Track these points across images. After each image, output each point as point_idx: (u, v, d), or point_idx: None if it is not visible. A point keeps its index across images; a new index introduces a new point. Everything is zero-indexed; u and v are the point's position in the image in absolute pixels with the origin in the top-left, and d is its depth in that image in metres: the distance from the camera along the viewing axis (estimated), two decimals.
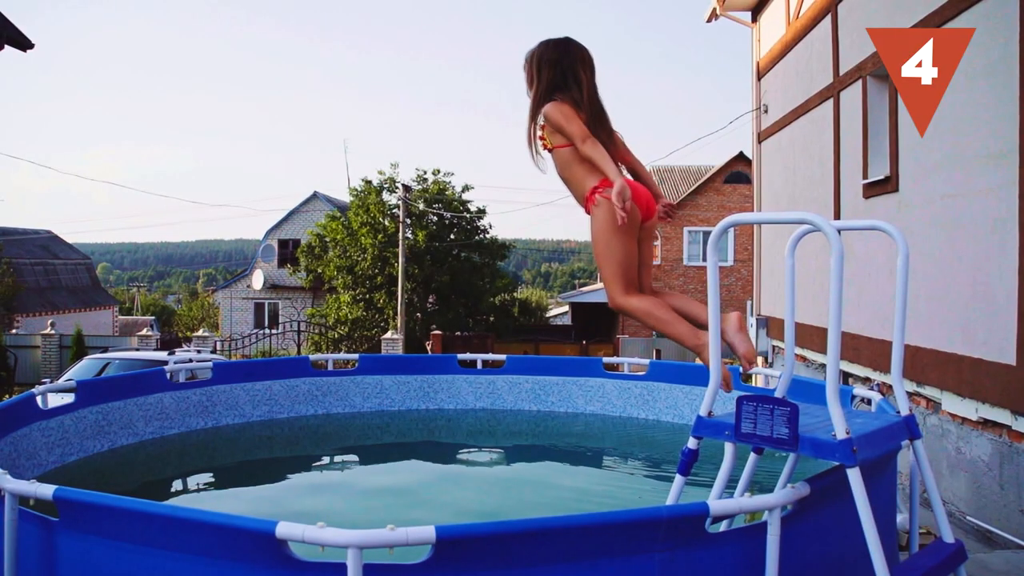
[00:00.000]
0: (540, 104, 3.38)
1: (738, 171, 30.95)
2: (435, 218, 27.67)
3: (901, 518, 3.56)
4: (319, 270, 28.99)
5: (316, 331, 26.94)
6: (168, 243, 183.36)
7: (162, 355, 12.58)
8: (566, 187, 3.45)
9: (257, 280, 33.67)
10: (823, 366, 9.23)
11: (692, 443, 2.84)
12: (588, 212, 3.32)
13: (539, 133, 3.41)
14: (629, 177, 3.41)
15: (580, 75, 3.39)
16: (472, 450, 6.12)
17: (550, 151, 3.43)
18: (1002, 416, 5.65)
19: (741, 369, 4.50)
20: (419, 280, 27.08)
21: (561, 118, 3.25)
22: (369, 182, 27.98)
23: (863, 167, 8.23)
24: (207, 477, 5.47)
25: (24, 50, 9.96)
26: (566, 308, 39.61)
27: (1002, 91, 5.66)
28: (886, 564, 2.42)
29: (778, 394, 2.93)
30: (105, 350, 17.22)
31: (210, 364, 6.52)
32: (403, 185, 26.26)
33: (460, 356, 7.13)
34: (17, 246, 33.32)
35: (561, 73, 3.38)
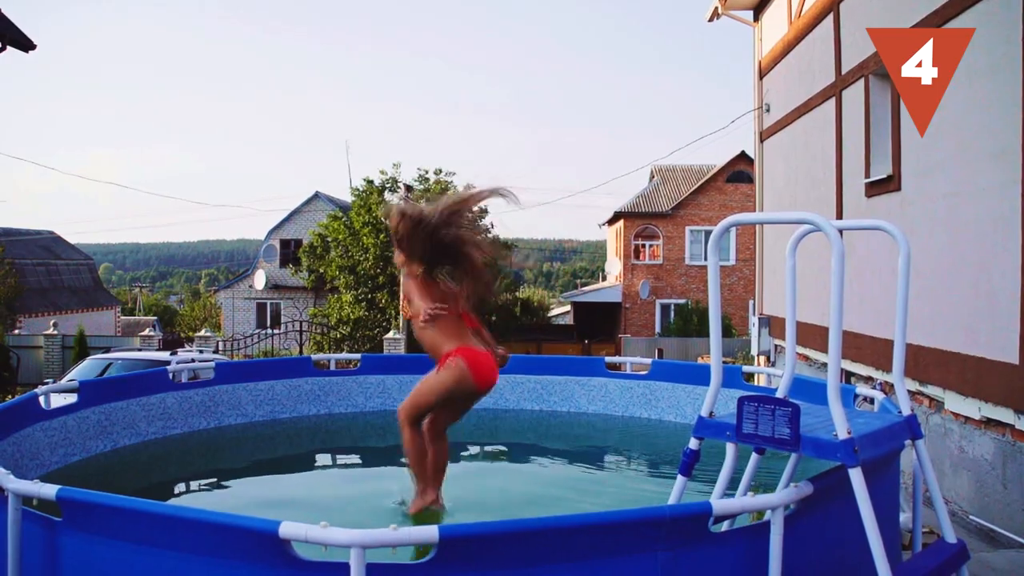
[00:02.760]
0: (410, 263, 3.92)
1: (740, 170, 30.93)
2: None
3: (904, 517, 3.57)
4: (321, 270, 28.98)
5: (318, 331, 26.93)
6: (170, 243, 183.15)
7: (164, 355, 12.59)
8: (422, 345, 4.01)
9: (259, 280, 33.67)
10: (825, 365, 9.22)
11: (693, 443, 2.84)
12: (439, 369, 3.86)
13: (402, 303, 4.11)
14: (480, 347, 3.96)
15: (460, 261, 3.89)
16: (474, 449, 6.12)
17: (408, 319, 4.06)
18: (1005, 415, 5.64)
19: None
20: None
21: (414, 287, 3.86)
22: (371, 182, 27.96)
23: (865, 166, 8.23)
24: (210, 477, 5.48)
25: (26, 51, 9.99)
26: (568, 307, 39.60)
27: (1004, 89, 5.65)
28: (888, 563, 2.42)
29: (779, 394, 2.94)
30: (107, 350, 17.21)
31: (212, 364, 6.53)
32: (405, 185, 26.24)
33: None
34: (19, 247, 33.36)
35: (436, 254, 3.87)
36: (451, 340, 3.80)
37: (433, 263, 3.91)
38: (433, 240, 3.82)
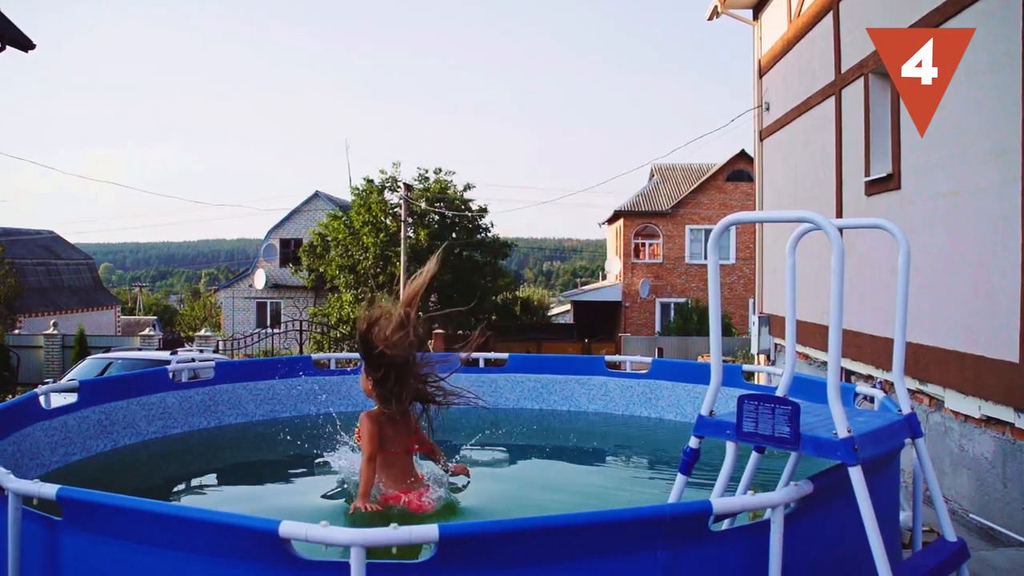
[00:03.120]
0: (374, 380, 4.12)
1: (740, 169, 30.94)
2: (437, 217, 27.67)
3: (904, 516, 3.56)
4: (321, 269, 29.01)
5: (318, 330, 26.95)
6: (170, 243, 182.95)
7: (164, 355, 12.59)
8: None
9: (259, 280, 33.67)
10: (825, 364, 9.22)
11: (693, 442, 2.84)
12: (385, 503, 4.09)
13: (356, 430, 4.34)
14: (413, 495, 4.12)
15: (403, 390, 4.10)
16: (474, 448, 6.12)
17: (357, 442, 4.32)
18: (1005, 414, 5.65)
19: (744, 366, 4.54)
20: None
21: (365, 433, 4.07)
22: (371, 181, 27.98)
23: (865, 164, 8.23)
24: (210, 476, 5.48)
25: (26, 50, 9.98)
26: (568, 307, 39.61)
27: (1004, 88, 5.65)
28: (888, 562, 2.42)
29: (779, 392, 2.93)
30: (108, 350, 17.21)
31: (212, 363, 6.53)
32: (405, 184, 26.27)
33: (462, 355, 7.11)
34: (20, 246, 33.37)
35: (393, 384, 4.08)
36: (391, 484, 4.09)
37: (386, 393, 4.12)
38: (387, 369, 4.04)
